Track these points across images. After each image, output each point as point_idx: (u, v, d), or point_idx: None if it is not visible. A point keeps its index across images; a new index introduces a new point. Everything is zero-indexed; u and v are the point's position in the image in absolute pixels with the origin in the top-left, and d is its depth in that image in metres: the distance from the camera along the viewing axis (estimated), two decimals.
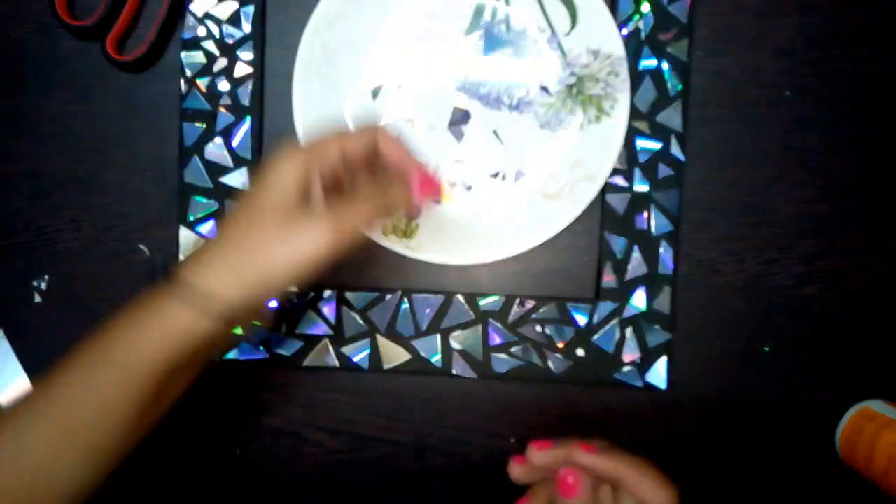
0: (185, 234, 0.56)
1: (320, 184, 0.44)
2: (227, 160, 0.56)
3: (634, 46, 0.55)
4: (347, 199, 0.44)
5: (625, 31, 0.55)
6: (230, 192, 0.56)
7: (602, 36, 0.55)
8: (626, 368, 0.56)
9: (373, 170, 0.47)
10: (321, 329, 0.57)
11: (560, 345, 0.56)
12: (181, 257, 0.56)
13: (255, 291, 0.42)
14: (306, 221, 0.42)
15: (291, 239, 0.42)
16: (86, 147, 0.57)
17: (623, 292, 0.56)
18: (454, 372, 0.57)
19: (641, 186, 0.56)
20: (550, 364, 0.56)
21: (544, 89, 0.56)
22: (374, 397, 0.58)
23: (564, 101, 0.56)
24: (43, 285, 0.58)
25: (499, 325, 0.57)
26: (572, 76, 0.56)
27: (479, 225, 0.57)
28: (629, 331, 0.56)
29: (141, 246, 0.58)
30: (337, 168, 0.45)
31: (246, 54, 0.56)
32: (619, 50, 0.54)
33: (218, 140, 0.56)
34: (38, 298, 0.58)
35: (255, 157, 0.57)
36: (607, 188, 0.56)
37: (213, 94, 0.56)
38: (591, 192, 0.55)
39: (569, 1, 0.55)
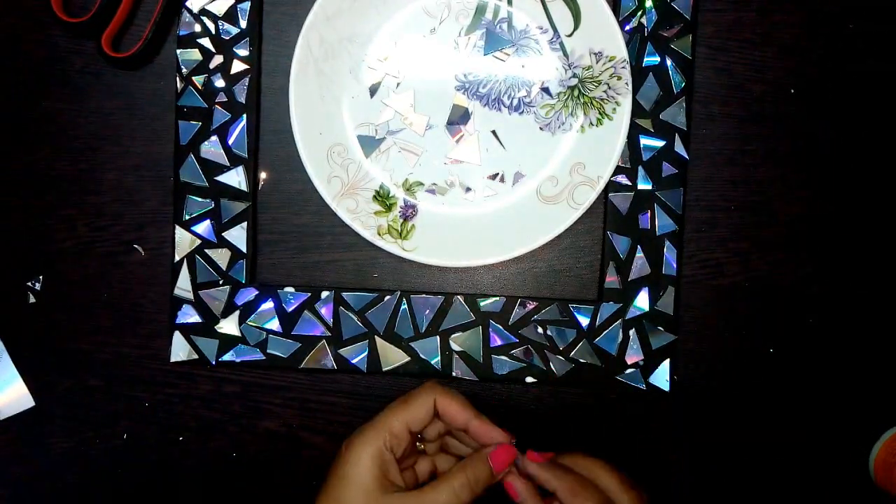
0: (180, 234, 0.56)
1: (396, 466, 0.45)
2: (223, 158, 0.56)
3: (637, 43, 0.55)
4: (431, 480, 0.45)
5: (628, 28, 0.55)
6: (226, 190, 0.56)
7: (605, 38, 0.54)
8: (629, 370, 0.55)
9: (445, 440, 0.49)
10: (318, 330, 0.56)
11: (562, 347, 0.55)
12: (176, 258, 0.56)
13: None
14: None
15: None
16: (80, 145, 0.57)
17: (626, 293, 0.55)
18: (454, 374, 0.56)
19: (645, 185, 0.55)
20: (552, 366, 0.56)
21: (545, 90, 0.56)
22: (373, 400, 0.57)
23: (566, 103, 0.55)
24: (37, 286, 0.57)
25: (500, 326, 0.56)
26: (574, 78, 0.55)
27: (476, 227, 0.56)
28: (632, 332, 0.55)
29: (136, 246, 0.57)
30: (407, 445, 0.46)
31: (242, 51, 0.55)
32: (621, 52, 0.54)
33: (214, 138, 0.56)
34: (32, 299, 0.57)
35: (251, 156, 0.56)
36: (610, 187, 0.55)
37: (208, 92, 0.55)
38: (591, 197, 0.54)
39: (572, 1, 0.54)
